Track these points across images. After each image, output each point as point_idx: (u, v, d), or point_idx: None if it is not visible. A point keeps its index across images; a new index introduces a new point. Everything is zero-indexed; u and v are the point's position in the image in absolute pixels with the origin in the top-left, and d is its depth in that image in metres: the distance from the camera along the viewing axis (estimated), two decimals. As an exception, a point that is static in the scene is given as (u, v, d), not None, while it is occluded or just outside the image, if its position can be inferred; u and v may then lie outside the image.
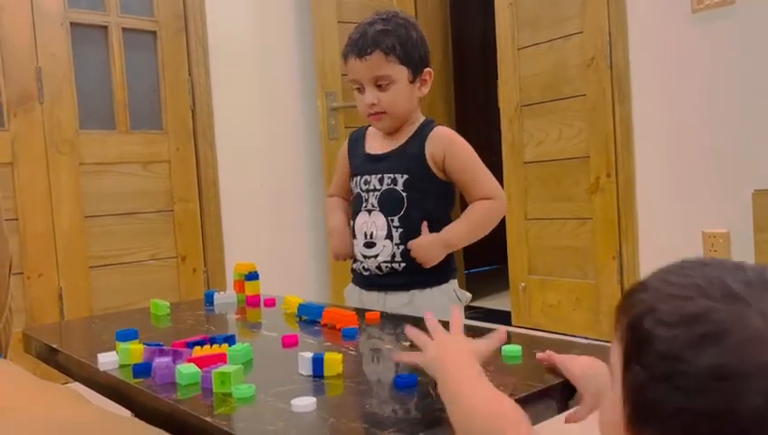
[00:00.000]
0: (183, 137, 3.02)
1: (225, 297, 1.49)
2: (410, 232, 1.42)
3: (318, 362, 0.88)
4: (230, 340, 1.04)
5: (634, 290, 0.52)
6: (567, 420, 0.82)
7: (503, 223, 1.67)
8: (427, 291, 1.43)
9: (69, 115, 2.74)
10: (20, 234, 2.61)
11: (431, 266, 1.42)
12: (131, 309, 1.81)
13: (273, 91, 3.26)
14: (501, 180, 2.54)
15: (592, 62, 2.81)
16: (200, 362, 0.91)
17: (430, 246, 1.41)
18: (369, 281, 1.48)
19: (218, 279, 3.05)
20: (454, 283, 1.48)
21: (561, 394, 0.82)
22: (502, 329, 0.81)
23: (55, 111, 2.71)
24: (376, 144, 1.52)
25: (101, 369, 0.97)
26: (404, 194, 1.43)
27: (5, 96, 2.61)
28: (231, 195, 3.11)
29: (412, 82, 1.44)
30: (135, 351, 0.97)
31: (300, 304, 1.28)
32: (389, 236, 1.43)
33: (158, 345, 0.98)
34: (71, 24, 2.75)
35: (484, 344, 0.79)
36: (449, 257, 1.45)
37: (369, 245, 1.46)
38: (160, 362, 0.90)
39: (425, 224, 1.42)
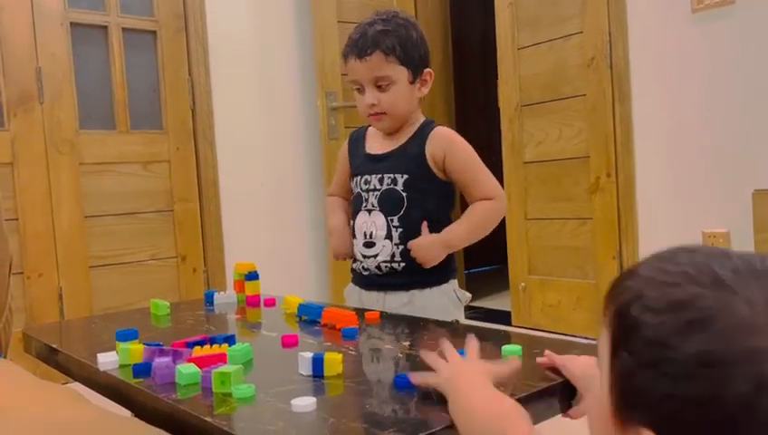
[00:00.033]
0: (183, 137, 3.02)
1: (225, 297, 1.49)
2: (410, 232, 1.42)
3: (318, 362, 0.88)
4: (230, 340, 1.04)
5: (622, 277, 0.52)
6: (567, 416, 0.82)
7: (503, 223, 1.67)
8: (427, 291, 1.43)
9: (69, 115, 2.74)
10: (20, 234, 2.61)
11: (431, 266, 1.42)
12: (131, 309, 1.81)
13: (273, 91, 3.26)
14: (501, 180, 2.54)
15: (592, 62, 2.81)
16: (200, 362, 0.90)
17: (430, 246, 1.41)
18: (369, 281, 1.48)
19: (218, 279, 3.05)
20: (454, 283, 1.48)
21: (563, 394, 0.82)
22: (516, 360, 0.81)
23: (55, 111, 2.71)
24: (376, 144, 1.52)
25: (101, 369, 0.97)
26: (404, 194, 1.43)
27: (5, 96, 2.61)
28: (231, 195, 3.11)
29: (412, 82, 1.44)
30: (135, 351, 0.97)
31: (300, 304, 1.28)
32: (389, 236, 1.43)
33: (158, 345, 0.98)
34: (71, 23, 2.75)
35: (499, 368, 0.78)
36: (449, 257, 1.45)
37: (369, 244, 1.46)
38: (160, 362, 0.90)
39: (425, 224, 1.42)
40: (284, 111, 3.29)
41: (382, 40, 1.39)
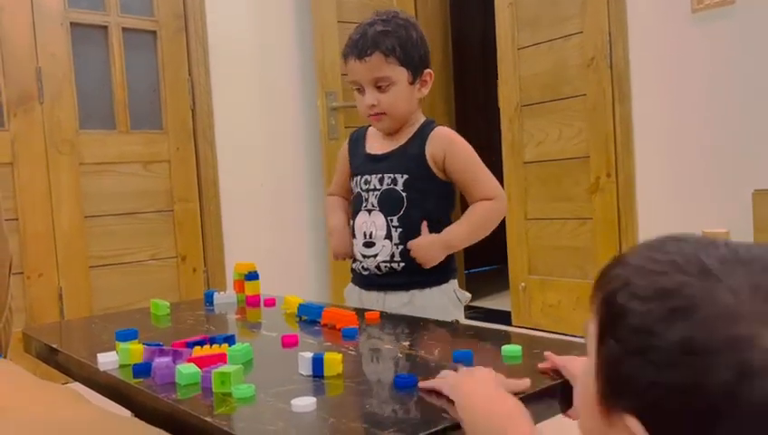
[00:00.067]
0: (183, 137, 3.02)
1: (225, 297, 1.49)
2: (410, 232, 1.42)
3: (318, 362, 0.88)
4: (230, 340, 1.04)
5: (610, 266, 0.52)
6: (567, 416, 0.82)
7: (503, 223, 1.67)
8: (427, 291, 1.43)
9: (69, 115, 2.74)
10: (20, 234, 2.61)
11: (431, 266, 1.42)
12: (131, 309, 1.81)
13: (273, 91, 3.26)
14: (501, 180, 2.54)
15: (592, 62, 2.81)
16: (200, 362, 0.91)
17: (430, 246, 1.41)
18: (369, 281, 1.48)
19: (218, 279, 3.05)
20: (454, 283, 1.47)
21: (563, 394, 0.82)
22: (527, 380, 0.80)
23: (55, 111, 2.71)
24: (376, 144, 1.52)
25: (101, 369, 0.97)
26: (404, 194, 1.43)
27: (5, 96, 2.61)
28: (231, 195, 3.11)
29: (412, 83, 1.44)
30: (135, 351, 0.97)
31: (300, 304, 1.28)
32: (389, 236, 1.43)
33: (158, 345, 0.98)
34: (71, 23, 2.75)
35: (508, 381, 0.77)
36: (449, 257, 1.45)
37: (369, 244, 1.46)
38: (160, 362, 0.90)
39: (425, 224, 1.42)
40: (284, 111, 3.29)
41: (382, 41, 1.39)
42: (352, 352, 1.03)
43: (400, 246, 1.42)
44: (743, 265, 0.46)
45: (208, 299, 1.50)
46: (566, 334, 2.77)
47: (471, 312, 3.43)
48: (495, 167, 2.06)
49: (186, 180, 3.02)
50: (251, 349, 0.99)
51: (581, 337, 0.59)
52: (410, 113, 1.47)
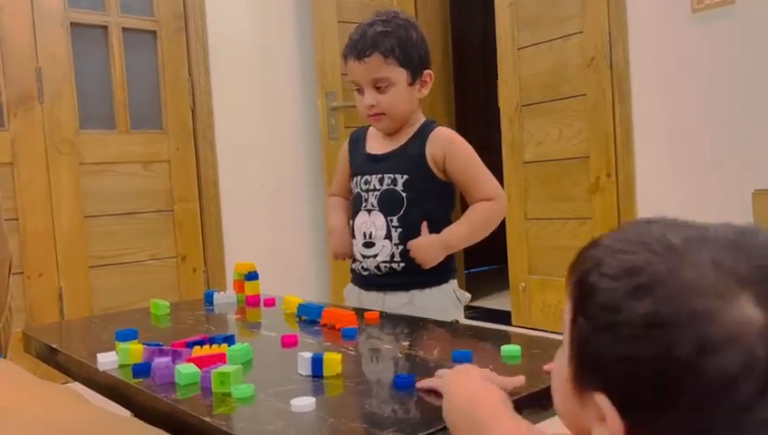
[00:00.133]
0: (183, 137, 3.02)
1: (225, 297, 1.49)
2: (409, 232, 1.42)
3: (317, 362, 0.88)
4: (230, 340, 1.04)
5: (584, 248, 0.53)
6: None
7: (503, 223, 1.67)
8: (427, 291, 1.43)
9: (69, 115, 2.74)
10: (20, 234, 2.61)
11: (430, 267, 1.42)
12: (131, 309, 1.81)
13: (273, 91, 3.26)
14: (501, 180, 2.54)
15: (592, 62, 2.81)
16: (200, 361, 0.91)
17: (430, 246, 1.40)
18: (369, 281, 1.48)
19: (218, 279, 3.05)
20: (453, 283, 1.47)
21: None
22: (522, 377, 0.79)
23: (55, 111, 2.71)
24: (376, 144, 1.52)
25: (101, 369, 0.98)
26: (404, 194, 1.43)
27: (5, 96, 2.61)
28: (231, 195, 3.11)
29: (411, 83, 1.44)
30: (134, 351, 0.98)
31: (299, 304, 1.28)
32: (389, 236, 1.43)
33: (158, 345, 0.98)
34: (71, 23, 2.75)
35: (501, 379, 0.77)
36: (449, 257, 1.45)
37: (369, 245, 1.46)
38: (160, 362, 0.91)
39: (425, 224, 1.42)
40: (284, 111, 3.29)
41: (381, 41, 1.39)
42: (352, 352, 1.03)
43: (400, 247, 1.42)
44: (706, 243, 0.47)
45: (208, 299, 1.50)
46: (566, 334, 2.76)
47: (471, 312, 3.43)
48: (495, 167, 2.06)
49: (186, 180, 3.02)
50: (250, 349, 0.99)
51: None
52: (410, 114, 1.47)
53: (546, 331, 2.92)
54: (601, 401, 0.47)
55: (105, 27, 2.85)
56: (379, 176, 1.45)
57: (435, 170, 1.43)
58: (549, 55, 2.99)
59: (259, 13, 3.22)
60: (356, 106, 1.51)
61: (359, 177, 1.50)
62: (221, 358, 0.93)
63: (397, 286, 1.43)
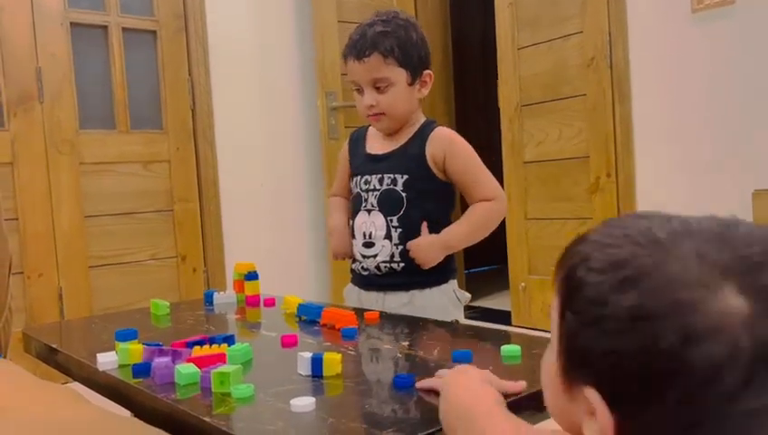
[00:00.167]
0: (183, 137, 3.02)
1: (225, 297, 1.49)
2: (409, 232, 1.42)
3: (317, 362, 0.88)
4: (229, 340, 1.04)
5: (571, 244, 0.54)
6: None
7: (503, 223, 1.67)
8: (427, 291, 1.43)
9: (69, 115, 2.74)
10: (20, 234, 2.61)
11: (430, 267, 1.42)
12: (131, 309, 1.81)
13: (273, 91, 3.26)
14: (501, 180, 2.54)
15: (592, 62, 2.81)
16: (199, 361, 0.91)
17: (429, 247, 1.41)
18: (368, 281, 1.48)
19: (218, 279, 3.05)
20: (453, 283, 1.48)
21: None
22: (523, 383, 0.79)
23: (55, 110, 2.71)
24: (376, 144, 1.52)
25: (101, 369, 0.98)
26: (403, 194, 1.43)
27: (5, 96, 2.61)
28: (231, 195, 3.11)
29: (411, 84, 1.44)
30: (134, 351, 0.98)
31: (299, 304, 1.28)
32: (388, 237, 1.43)
33: (158, 345, 0.98)
34: (71, 23, 2.75)
35: (500, 382, 0.77)
36: (449, 258, 1.45)
37: (368, 245, 1.46)
38: (160, 362, 0.91)
39: (424, 224, 1.42)
40: (284, 111, 3.29)
41: (381, 41, 1.39)
42: (352, 352, 1.03)
43: (400, 247, 1.42)
44: (690, 236, 0.47)
45: (208, 299, 1.50)
46: (566, 334, 2.76)
47: (471, 312, 3.43)
48: (495, 167, 2.06)
49: (186, 180, 3.02)
50: (250, 349, 0.99)
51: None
52: (410, 114, 1.47)
53: (546, 331, 2.90)
54: (591, 395, 0.47)
55: (105, 27, 2.85)
56: (379, 176, 1.45)
57: (435, 170, 1.43)
58: (549, 55, 2.99)
59: (259, 13, 3.22)
60: (356, 106, 1.51)
61: (359, 177, 1.50)
62: (221, 358, 0.93)
63: (397, 286, 1.43)
